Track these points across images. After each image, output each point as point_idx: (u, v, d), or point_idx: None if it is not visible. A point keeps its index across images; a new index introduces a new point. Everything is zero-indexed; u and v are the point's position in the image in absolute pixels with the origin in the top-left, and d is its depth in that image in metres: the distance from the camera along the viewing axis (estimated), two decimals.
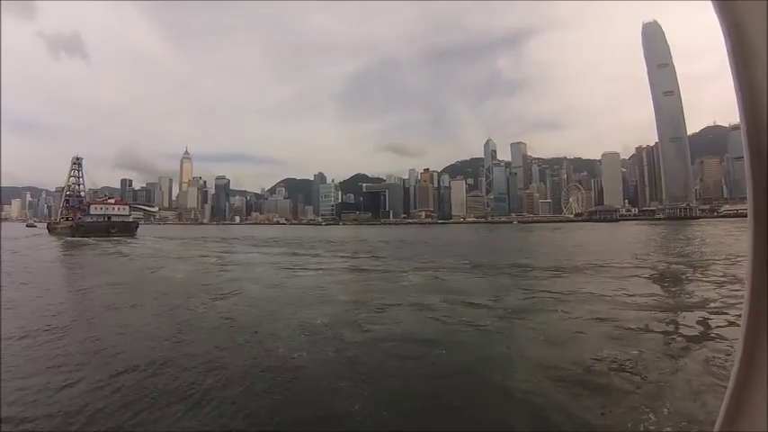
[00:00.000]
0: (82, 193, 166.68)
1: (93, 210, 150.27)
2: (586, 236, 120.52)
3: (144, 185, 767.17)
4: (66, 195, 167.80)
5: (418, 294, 29.13)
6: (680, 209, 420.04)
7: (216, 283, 36.46)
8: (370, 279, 38.07)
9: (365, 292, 30.47)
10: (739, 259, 46.29)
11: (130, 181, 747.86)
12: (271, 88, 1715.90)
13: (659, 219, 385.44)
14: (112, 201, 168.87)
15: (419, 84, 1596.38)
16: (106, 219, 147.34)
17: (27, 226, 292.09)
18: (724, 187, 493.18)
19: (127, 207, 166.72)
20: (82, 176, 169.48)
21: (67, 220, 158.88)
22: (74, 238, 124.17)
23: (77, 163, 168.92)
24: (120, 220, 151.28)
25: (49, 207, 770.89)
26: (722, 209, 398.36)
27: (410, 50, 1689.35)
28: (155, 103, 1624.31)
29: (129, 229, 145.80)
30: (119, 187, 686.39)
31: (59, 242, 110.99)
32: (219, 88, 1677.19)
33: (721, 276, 34.52)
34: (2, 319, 21.37)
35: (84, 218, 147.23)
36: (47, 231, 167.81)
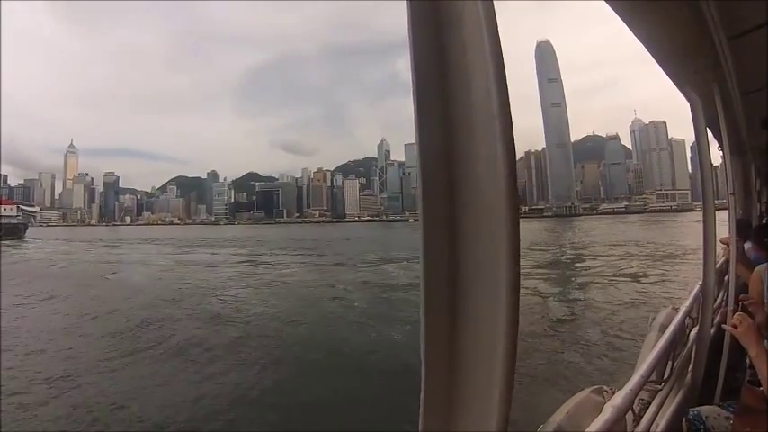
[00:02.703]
0: None
1: None
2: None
3: (22, 182, 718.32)
4: None
5: None
6: (565, 207, 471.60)
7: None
8: None
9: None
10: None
11: (5, 176, 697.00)
12: (165, 78, 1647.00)
13: (547, 216, 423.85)
14: None
15: (319, 81, 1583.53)
16: None
17: None
18: (601, 189, 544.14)
19: (14, 207, 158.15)
20: None
21: None
22: None
23: None
24: (7, 221, 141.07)
25: None
26: (600, 207, 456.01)
27: (312, 46, 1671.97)
28: (37, 89, 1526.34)
29: (16, 232, 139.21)
30: None
31: None
32: (109, 75, 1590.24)
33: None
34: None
35: None
36: None
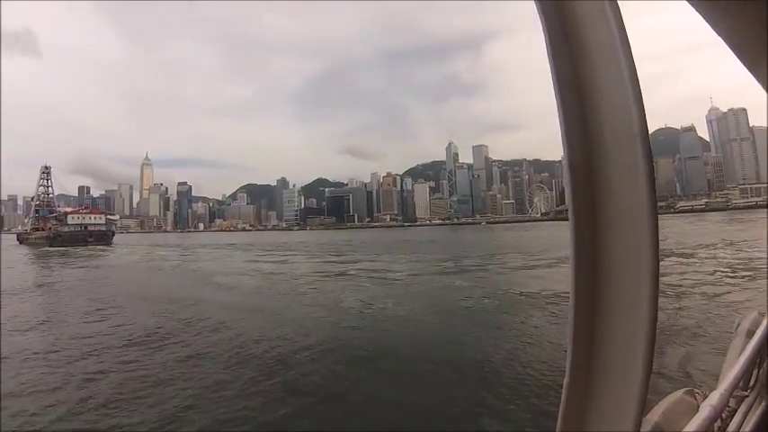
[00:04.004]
0: (52, 203, 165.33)
1: (70, 219, 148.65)
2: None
3: (103, 193, 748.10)
4: (35, 205, 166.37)
5: None
6: None
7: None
8: None
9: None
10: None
11: (88, 188, 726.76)
12: (228, 90, 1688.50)
13: None
14: (87, 210, 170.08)
15: (376, 85, 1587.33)
16: (83, 228, 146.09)
17: None
18: (677, 185, 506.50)
19: (103, 216, 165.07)
20: (51, 185, 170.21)
21: (38, 230, 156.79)
22: (53, 248, 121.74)
23: (46, 172, 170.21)
24: (97, 229, 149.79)
25: (1, 217, 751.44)
26: (678, 205, 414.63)
27: (366, 51, 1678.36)
28: (111, 106, 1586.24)
29: (105, 238, 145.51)
30: (76, 195, 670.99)
31: (45, 253, 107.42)
32: (174, 90, 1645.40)
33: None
34: None
35: (61, 228, 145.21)
36: (17, 243, 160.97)
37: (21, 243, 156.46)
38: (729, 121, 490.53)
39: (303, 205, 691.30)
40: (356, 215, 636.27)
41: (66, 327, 23.79)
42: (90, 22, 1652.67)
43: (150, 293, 35.32)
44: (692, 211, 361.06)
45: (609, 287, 1.41)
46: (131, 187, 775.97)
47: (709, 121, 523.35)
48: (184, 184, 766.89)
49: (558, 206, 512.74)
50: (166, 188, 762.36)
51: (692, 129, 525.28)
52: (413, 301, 28.65)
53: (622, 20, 1.39)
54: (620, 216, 1.36)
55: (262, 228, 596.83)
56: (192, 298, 31.78)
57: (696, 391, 2.82)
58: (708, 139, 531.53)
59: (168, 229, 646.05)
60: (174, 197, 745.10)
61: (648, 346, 1.31)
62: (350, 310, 26.61)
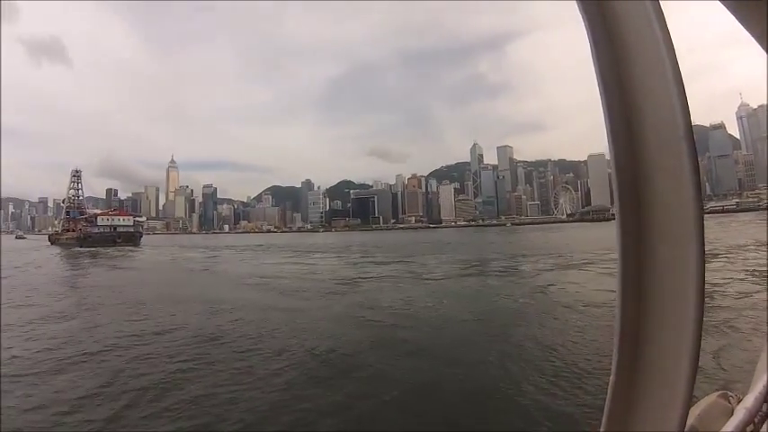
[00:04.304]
0: (82, 205, 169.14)
1: (100, 221, 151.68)
2: (605, 233, 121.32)
3: (130, 195, 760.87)
4: (66, 207, 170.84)
5: None
6: None
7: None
8: None
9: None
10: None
11: (116, 190, 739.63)
12: (250, 93, 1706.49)
13: None
14: (116, 212, 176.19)
15: (400, 87, 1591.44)
16: (112, 229, 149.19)
17: (17, 238, 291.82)
18: (707, 184, 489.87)
19: (131, 218, 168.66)
20: (81, 188, 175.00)
21: (69, 231, 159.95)
22: (83, 249, 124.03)
23: (77, 175, 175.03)
24: (125, 230, 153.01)
25: (32, 218, 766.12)
26: (708, 205, 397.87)
27: (388, 53, 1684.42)
28: (136, 110, 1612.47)
29: (133, 239, 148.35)
30: (104, 197, 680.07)
31: (77, 253, 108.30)
32: (199, 94, 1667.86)
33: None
34: None
35: (91, 229, 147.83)
36: (48, 243, 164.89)
37: (52, 243, 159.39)
38: (761, 118, 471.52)
39: (328, 207, 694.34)
40: (381, 217, 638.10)
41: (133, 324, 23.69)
42: (118, 30, 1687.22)
43: (194, 294, 35.00)
44: (723, 211, 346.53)
45: (655, 287, 1.39)
46: (158, 189, 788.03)
47: (740, 118, 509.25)
48: (210, 186, 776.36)
49: (583, 207, 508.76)
50: (192, 190, 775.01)
51: (721, 126, 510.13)
52: (452, 301, 28.82)
53: (665, 20, 1.03)
54: (666, 216, 1.37)
55: (287, 229, 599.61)
56: (235, 299, 31.62)
57: (730, 394, 2.24)
58: (738, 137, 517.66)
59: (194, 230, 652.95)
60: (200, 199, 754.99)
61: (694, 347, 1.32)
62: (400, 310, 26.52)
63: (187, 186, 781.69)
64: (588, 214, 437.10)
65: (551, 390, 12.86)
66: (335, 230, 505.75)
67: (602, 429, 1.34)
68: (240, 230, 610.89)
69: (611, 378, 1.44)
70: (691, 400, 1.34)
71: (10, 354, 17.99)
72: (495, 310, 25.53)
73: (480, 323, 22.58)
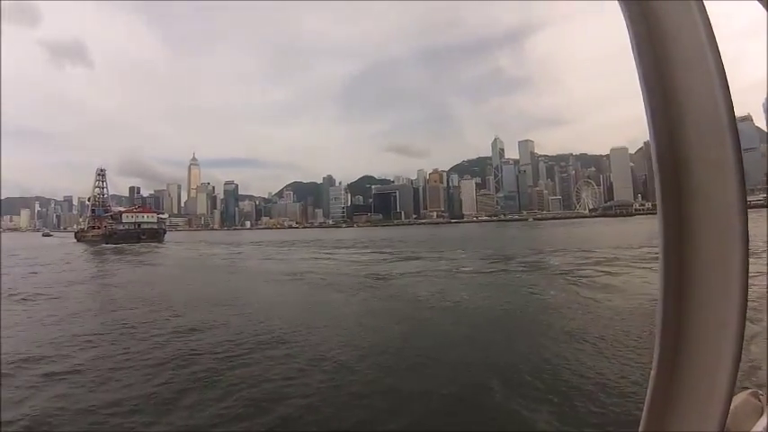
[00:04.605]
0: (107, 203, 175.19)
1: (125, 218, 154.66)
2: (630, 228, 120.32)
3: (152, 192, 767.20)
4: (92, 205, 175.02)
5: None
6: None
7: None
8: None
9: None
10: None
11: (138, 188, 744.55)
12: (269, 91, 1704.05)
13: None
14: (141, 209, 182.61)
15: (419, 82, 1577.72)
16: (136, 226, 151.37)
17: (43, 236, 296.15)
18: None
19: (155, 215, 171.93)
20: (106, 186, 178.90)
21: (94, 228, 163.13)
22: (108, 245, 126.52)
23: (102, 174, 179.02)
24: (149, 227, 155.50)
25: (58, 216, 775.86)
26: None
27: (407, 49, 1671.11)
28: (157, 109, 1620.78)
29: (157, 236, 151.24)
30: (127, 195, 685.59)
31: (104, 249, 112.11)
32: (219, 92, 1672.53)
33: None
34: None
35: (116, 226, 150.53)
36: (74, 240, 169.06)
37: (78, 240, 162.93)
38: None
39: (350, 202, 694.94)
40: (403, 212, 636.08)
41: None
42: (137, 30, 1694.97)
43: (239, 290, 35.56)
44: (751, 207, 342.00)
45: (697, 282, 1.38)
46: (179, 187, 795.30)
47: None
48: (231, 183, 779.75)
49: (605, 202, 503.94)
50: (213, 187, 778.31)
51: (747, 118, 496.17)
52: (486, 294, 29.36)
53: (709, 19, 1.00)
54: (708, 210, 1.35)
55: (308, 225, 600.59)
56: (274, 293, 32.77)
57: (760, 392, 2.11)
58: (765, 129, 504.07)
59: (215, 226, 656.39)
60: (221, 196, 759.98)
61: (737, 345, 1.29)
62: (440, 303, 26.53)
63: (208, 183, 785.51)
64: (611, 209, 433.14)
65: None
66: (357, 226, 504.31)
67: (641, 426, 1.40)
68: (262, 226, 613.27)
69: (652, 374, 1.41)
70: (730, 403, 1.30)
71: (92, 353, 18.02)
72: (530, 303, 25.81)
73: (519, 316, 22.97)
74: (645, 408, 1.33)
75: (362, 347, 17.71)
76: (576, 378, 13.89)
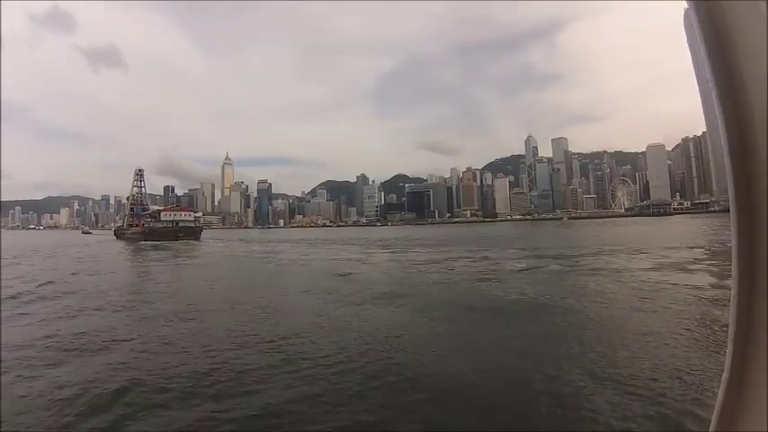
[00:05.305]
0: (145, 202, 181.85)
1: (163, 216, 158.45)
2: (677, 228, 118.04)
3: (186, 191, 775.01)
4: (131, 204, 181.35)
5: None
6: None
7: None
8: None
9: None
10: None
11: (173, 187, 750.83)
12: (301, 89, 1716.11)
13: (714, 211, 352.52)
14: (179, 207, 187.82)
15: (450, 79, 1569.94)
16: (174, 224, 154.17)
17: (83, 233, 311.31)
18: None
19: (192, 213, 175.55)
20: (144, 186, 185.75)
21: (133, 226, 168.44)
22: (147, 242, 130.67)
23: (139, 174, 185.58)
24: (186, 225, 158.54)
25: (96, 215, 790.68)
26: None
27: (438, 46, 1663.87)
28: (191, 110, 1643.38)
29: (194, 233, 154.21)
30: (162, 194, 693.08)
31: (144, 246, 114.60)
32: (252, 92, 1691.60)
33: None
34: None
35: (155, 224, 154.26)
36: (113, 237, 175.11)
37: (118, 238, 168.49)
38: None
39: (383, 201, 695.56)
40: (436, 210, 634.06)
41: None
42: (169, 32, 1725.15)
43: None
44: None
45: None
46: (213, 186, 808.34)
47: None
48: (264, 181, 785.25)
49: (641, 201, 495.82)
50: (247, 186, 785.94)
51: None
52: (546, 290, 29.30)
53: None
54: None
55: (342, 224, 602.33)
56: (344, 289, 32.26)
57: None
58: None
59: (249, 225, 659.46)
60: (255, 194, 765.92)
61: None
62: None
63: (242, 182, 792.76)
64: (648, 208, 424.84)
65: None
66: (391, 224, 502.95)
67: (711, 426, 1.36)
68: (295, 225, 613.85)
69: (724, 375, 1.39)
70: None
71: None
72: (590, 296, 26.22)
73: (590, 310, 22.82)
74: (716, 408, 1.32)
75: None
76: None
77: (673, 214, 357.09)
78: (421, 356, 16.14)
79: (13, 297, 31.52)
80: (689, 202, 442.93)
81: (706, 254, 49.32)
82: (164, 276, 47.27)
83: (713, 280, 30.50)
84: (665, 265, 39.97)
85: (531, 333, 18.70)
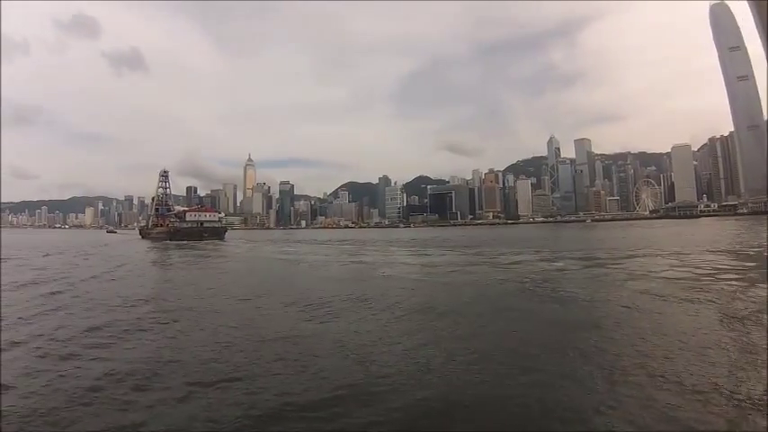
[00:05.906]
0: (169, 202, 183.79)
1: (188, 216, 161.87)
2: (707, 231, 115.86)
3: (209, 192, 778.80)
4: (155, 204, 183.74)
5: None
6: (764, 203, 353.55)
7: None
8: None
9: None
10: None
11: (195, 188, 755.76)
12: (321, 91, 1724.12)
13: (742, 214, 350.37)
14: (203, 208, 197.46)
15: (470, 80, 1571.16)
16: (199, 224, 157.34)
17: (108, 232, 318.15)
18: None
19: (216, 214, 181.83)
20: (168, 187, 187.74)
21: (158, 226, 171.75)
22: (173, 242, 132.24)
23: (164, 175, 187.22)
24: (211, 225, 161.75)
25: (119, 215, 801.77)
26: None
27: (459, 46, 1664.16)
28: (212, 111, 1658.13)
29: (218, 234, 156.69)
30: (184, 195, 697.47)
31: (170, 245, 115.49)
32: (272, 94, 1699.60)
33: None
34: None
35: (180, 224, 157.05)
36: (139, 237, 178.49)
37: (143, 237, 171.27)
38: None
39: (405, 202, 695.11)
40: (459, 212, 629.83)
41: None
42: (190, 35, 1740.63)
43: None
44: None
45: None
46: (235, 187, 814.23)
47: None
48: (286, 183, 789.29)
49: (666, 203, 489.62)
50: (269, 187, 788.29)
51: None
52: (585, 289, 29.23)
53: None
54: None
55: (364, 225, 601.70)
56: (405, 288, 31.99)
57: None
58: None
59: (271, 226, 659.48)
60: (277, 195, 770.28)
61: None
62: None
63: (264, 183, 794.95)
64: (673, 210, 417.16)
65: None
66: (414, 226, 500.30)
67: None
68: (318, 226, 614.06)
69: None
70: None
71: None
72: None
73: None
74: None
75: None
76: None
77: (699, 216, 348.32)
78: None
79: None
80: (716, 204, 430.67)
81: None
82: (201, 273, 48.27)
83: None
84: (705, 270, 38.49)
85: None
